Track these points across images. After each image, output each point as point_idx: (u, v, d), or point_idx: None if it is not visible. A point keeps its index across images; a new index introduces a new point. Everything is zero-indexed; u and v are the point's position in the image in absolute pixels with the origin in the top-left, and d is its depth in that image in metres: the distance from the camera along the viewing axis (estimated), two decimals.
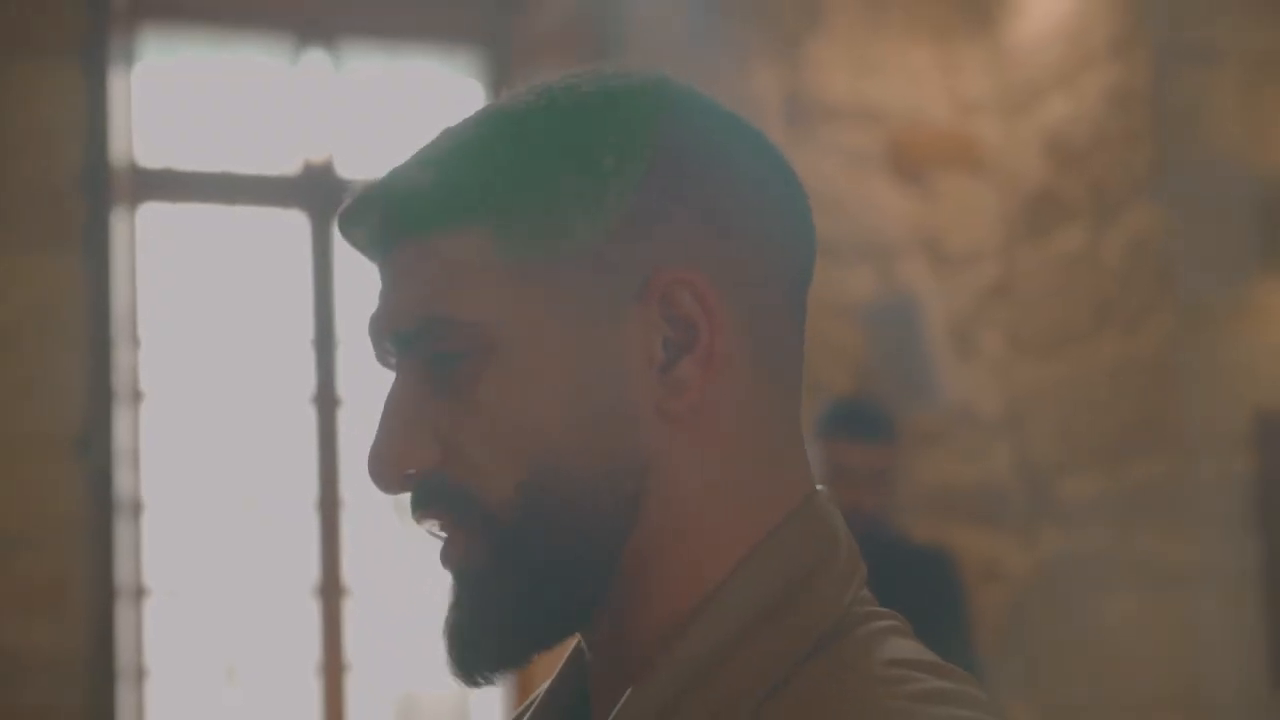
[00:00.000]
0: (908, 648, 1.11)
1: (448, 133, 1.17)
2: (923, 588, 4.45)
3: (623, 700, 1.11)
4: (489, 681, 1.16)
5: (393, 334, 1.16)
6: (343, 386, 5.37)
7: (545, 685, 1.26)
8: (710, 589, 1.13)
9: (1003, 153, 5.73)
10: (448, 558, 1.15)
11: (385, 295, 1.17)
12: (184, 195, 5.45)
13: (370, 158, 5.54)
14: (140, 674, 5.07)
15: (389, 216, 1.16)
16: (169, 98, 5.47)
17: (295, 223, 5.47)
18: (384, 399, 1.17)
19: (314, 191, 5.46)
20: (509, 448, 1.11)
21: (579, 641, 1.22)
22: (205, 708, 5.37)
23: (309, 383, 5.38)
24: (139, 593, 5.10)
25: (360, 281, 5.45)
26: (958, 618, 4.70)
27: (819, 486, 1.19)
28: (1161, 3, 5.17)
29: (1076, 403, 5.39)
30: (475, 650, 1.15)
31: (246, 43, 5.59)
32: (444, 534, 1.15)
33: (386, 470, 1.15)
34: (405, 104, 5.63)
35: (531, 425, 1.11)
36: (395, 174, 1.17)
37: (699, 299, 1.12)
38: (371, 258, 1.19)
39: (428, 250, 1.14)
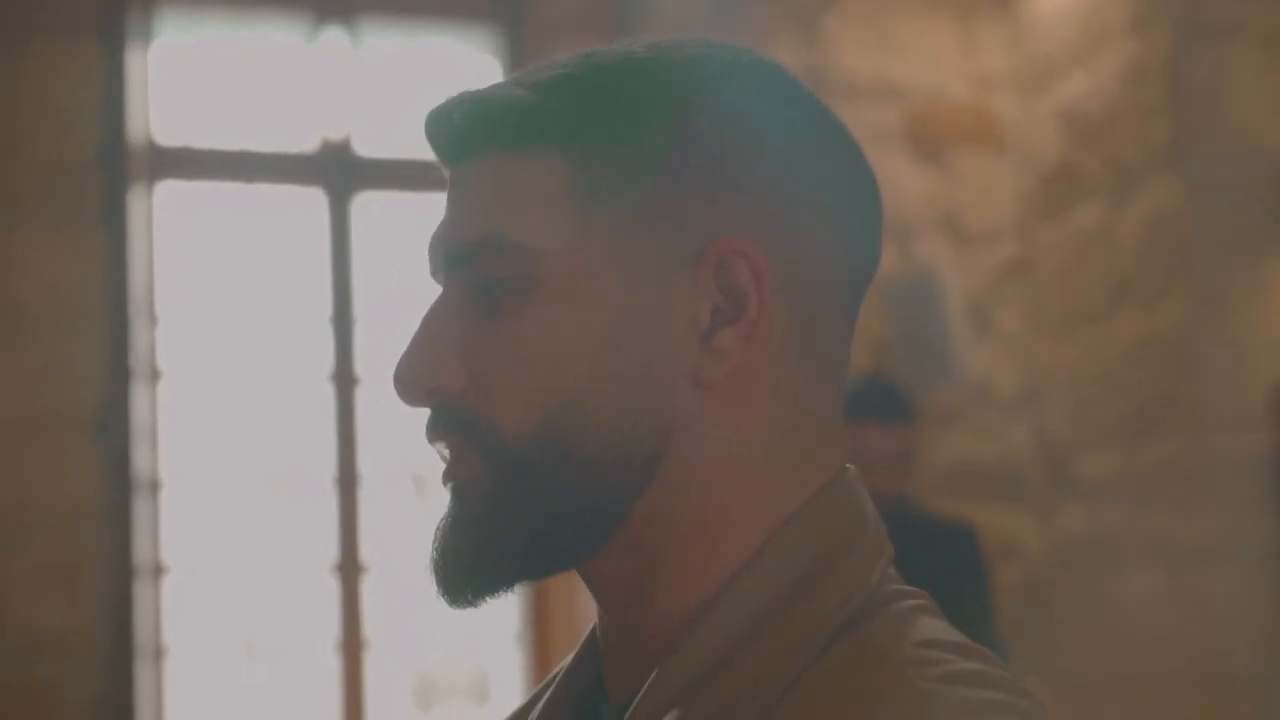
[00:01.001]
0: (937, 628, 1.10)
1: (550, 64, 1.18)
2: (947, 561, 4.45)
3: (648, 682, 1.10)
4: (471, 604, 1.15)
5: (448, 248, 1.16)
6: (361, 364, 5.37)
7: (564, 664, 1.26)
8: (731, 569, 1.12)
9: (1021, 130, 5.72)
10: (449, 473, 1.16)
11: (450, 209, 1.18)
12: (202, 173, 5.45)
13: (388, 135, 5.54)
14: (159, 652, 5.08)
15: (476, 121, 1.16)
16: (186, 75, 5.47)
17: (313, 200, 5.47)
18: (425, 312, 1.17)
19: (332, 169, 5.46)
20: (536, 384, 1.11)
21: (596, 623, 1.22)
22: (224, 685, 5.38)
23: (327, 360, 5.38)
24: (157, 571, 5.11)
25: (378, 259, 5.46)
26: (981, 592, 4.70)
27: (849, 466, 1.19)
28: None
29: (1094, 380, 5.38)
30: (458, 569, 1.14)
31: (264, 20, 5.59)
32: (452, 455, 1.15)
33: (411, 384, 1.15)
34: (423, 81, 5.62)
35: (562, 365, 1.11)
36: (492, 87, 1.17)
37: (754, 272, 1.12)
38: (448, 163, 1.20)
39: (503, 167, 1.15)
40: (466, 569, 1.15)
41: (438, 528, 1.16)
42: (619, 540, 1.14)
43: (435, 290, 1.19)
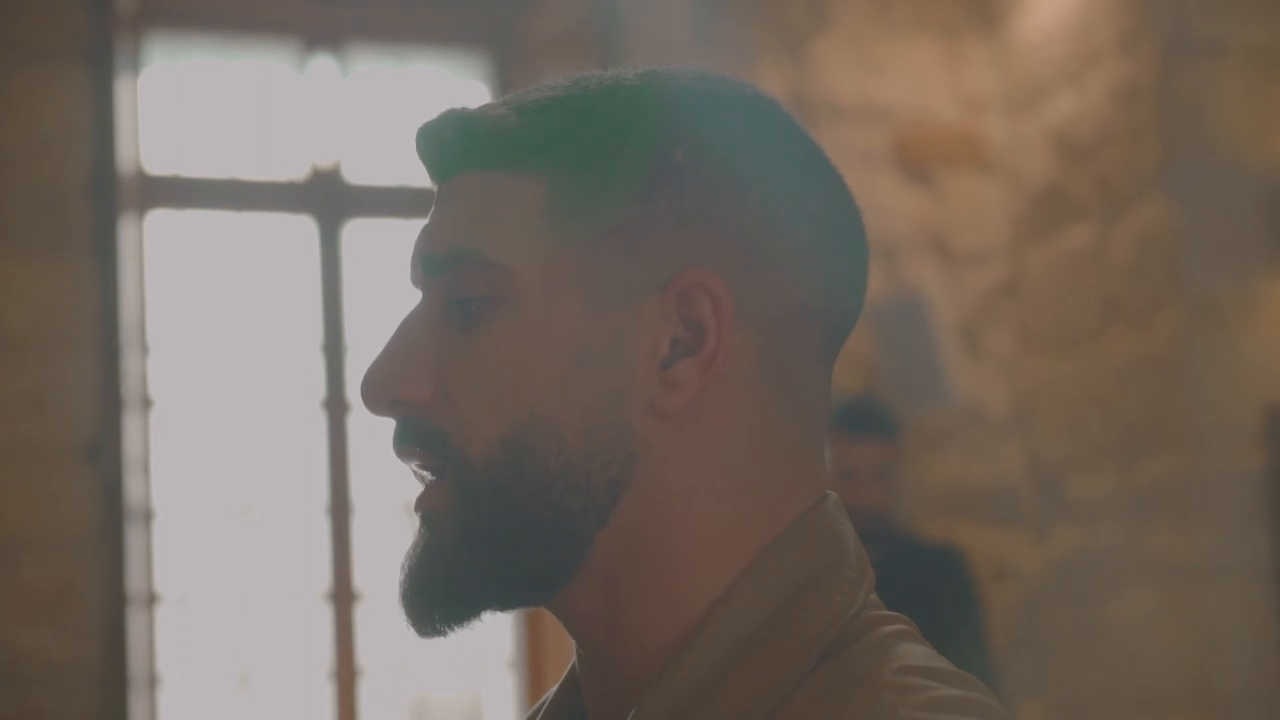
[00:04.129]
0: (919, 654, 1.10)
1: (541, 87, 1.20)
2: (934, 587, 4.46)
3: (629, 717, 1.10)
4: (440, 633, 1.16)
5: (425, 257, 1.18)
6: (352, 391, 5.37)
7: (549, 693, 1.26)
8: (705, 602, 1.12)
9: (1010, 150, 5.73)
10: (421, 501, 1.17)
11: (432, 219, 1.20)
12: (192, 202, 5.45)
13: (378, 162, 5.54)
14: (153, 681, 5.07)
15: (463, 139, 1.18)
16: (176, 104, 5.47)
17: (303, 228, 5.47)
18: (399, 322, 1.19)
19: (321, 197, 5.46)
20: (499, 401, 1.12)
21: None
22: (218, 714, 5.37)
23: (319, 388, 5.38)
24: (150, 600, 5.10)
25: (368, 286, 5.45)
26: (970, 616, 4.69)
27: (829, 494, 1.19)
28: None
29: (1086, 400, 5.38)
30: (426, 597, 1.15)
31: (253, 48, 5.59)
32: (426, 475, 1.17)
33: (376, 392, 1.17)
34: (412, 108, 5.62)
35: (527, 383, 1.12)
36: (483, 107, 1.20)
37: (715, 306, 1.13)
38: (435, 177, 1.21)
39: (485, 184, 1.16)
40: (434, 598, 1.15)
41: (406, 555, 1.17)
42: (585, 573, 1.14)
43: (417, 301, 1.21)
